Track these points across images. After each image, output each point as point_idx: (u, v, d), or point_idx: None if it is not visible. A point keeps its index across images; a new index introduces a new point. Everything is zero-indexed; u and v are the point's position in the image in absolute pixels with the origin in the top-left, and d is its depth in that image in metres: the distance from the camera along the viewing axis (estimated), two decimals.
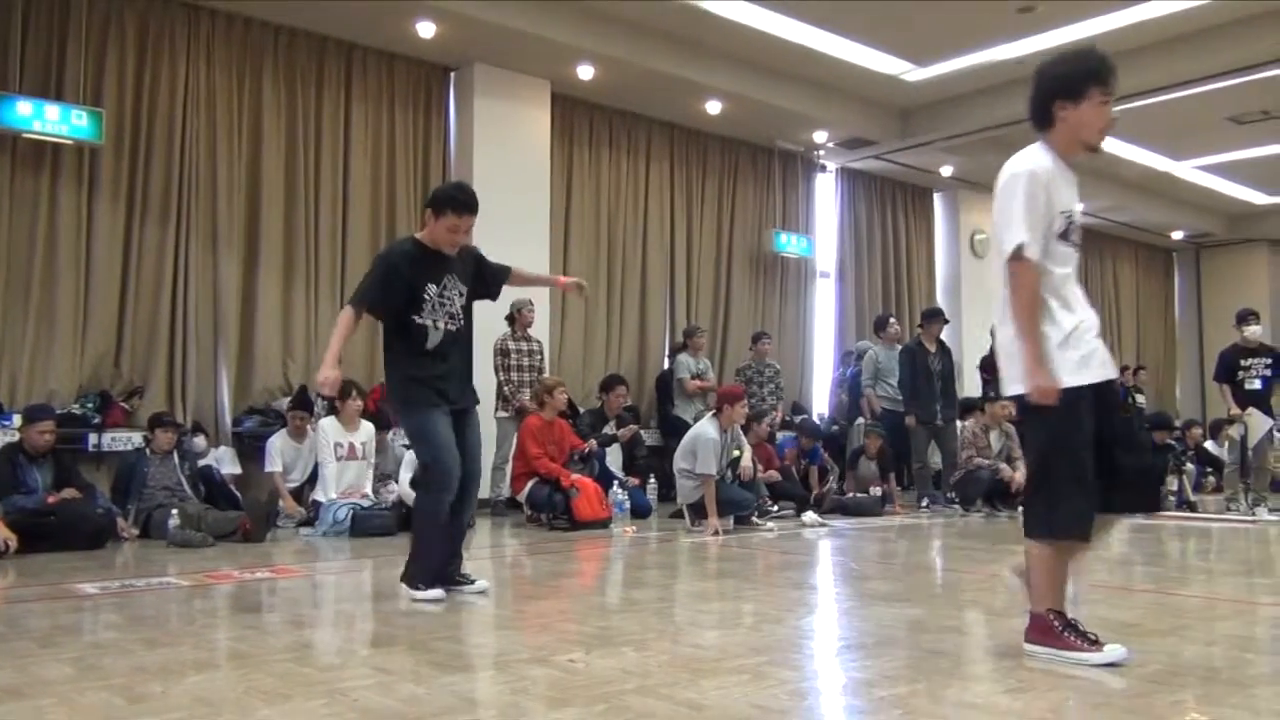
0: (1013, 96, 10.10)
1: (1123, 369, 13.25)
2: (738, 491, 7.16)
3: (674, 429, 8.88)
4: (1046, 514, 2.93)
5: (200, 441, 7.36)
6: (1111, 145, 11.77)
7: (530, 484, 7.24)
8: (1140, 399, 12.98)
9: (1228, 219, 15.50)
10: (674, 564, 5.59)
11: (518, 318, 8.08)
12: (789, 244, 11.27)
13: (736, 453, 7.25)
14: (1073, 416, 2.89)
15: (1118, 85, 3.04)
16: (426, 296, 4.12)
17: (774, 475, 7.99)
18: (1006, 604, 4.14)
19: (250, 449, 7.66)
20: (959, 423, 9.11)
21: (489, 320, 7.00)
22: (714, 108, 9.96)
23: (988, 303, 13.18)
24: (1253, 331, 8.87)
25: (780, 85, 9.87)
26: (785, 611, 3.93)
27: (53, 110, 6.91)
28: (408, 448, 6.77)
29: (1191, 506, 8.62)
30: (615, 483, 7.82)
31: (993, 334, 11.12)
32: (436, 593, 4.04)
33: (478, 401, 4.40)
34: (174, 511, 6.15)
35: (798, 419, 10.35)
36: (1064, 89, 3.01)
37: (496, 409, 7.90)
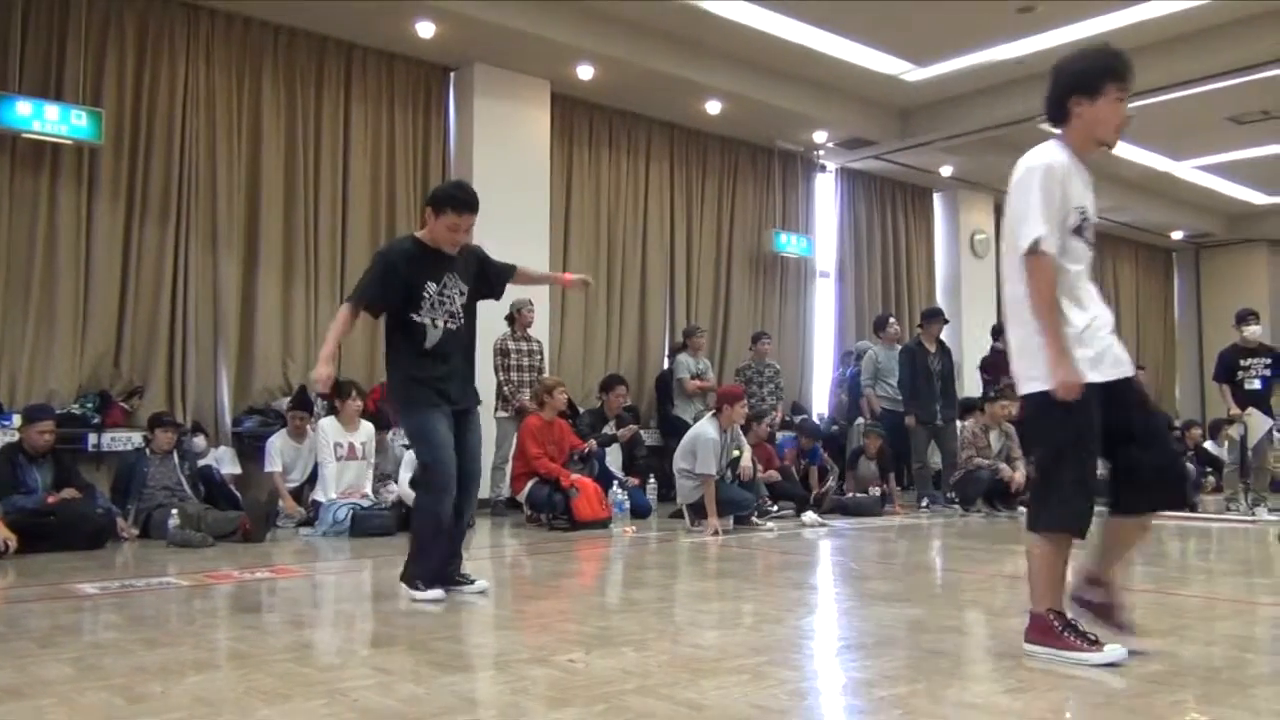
0: (1013, 96, 10.14)
1: None
2: (738, 491, 7.16)
3: (674, 429, 8.88)
4: (1048, 508, 2.97)
5: (200, 441, 7.36)
6: None
7: (530, 484, 7.24)
8: None
9: (1227, 219, 15.50)
10: (674, 564, 5.59)
11: (517, 318, 8.08)
12: (789, 244, 11.27)
13: (736, 453, 7.25)
14: (1081, 415, 2.88)
15: (1134, 83, 3.03)
16: (425, 295, 4.12)
17: (774, 475, 7.99)
18: (1006, 604, 4.14)
19: (250, 449, 7.66)
20: (959, 423, 9.11)
21: (489, 320, 6.99)
22: (714, 108, 9.96)
23: (988, 303, 13.26)
24: (1252, 331, 8.87)
25: (780, 85, 9.87)
26: (785, 611, 3.93)
27: (52, 110, 6.91)
28: (407, 448, 6.77)
29: (1191, 506, 8.60)
30: (615, 483, 7.82)
31: (994, 334, 11.04)
32: (436, 593, 4.04)
33: (479, 402, 4.40)
34: (174, 511, 6.15)
35: (798, 419, 10.36)
36: (1080, 85, 3.00)
37: (496, 409, 7.90)
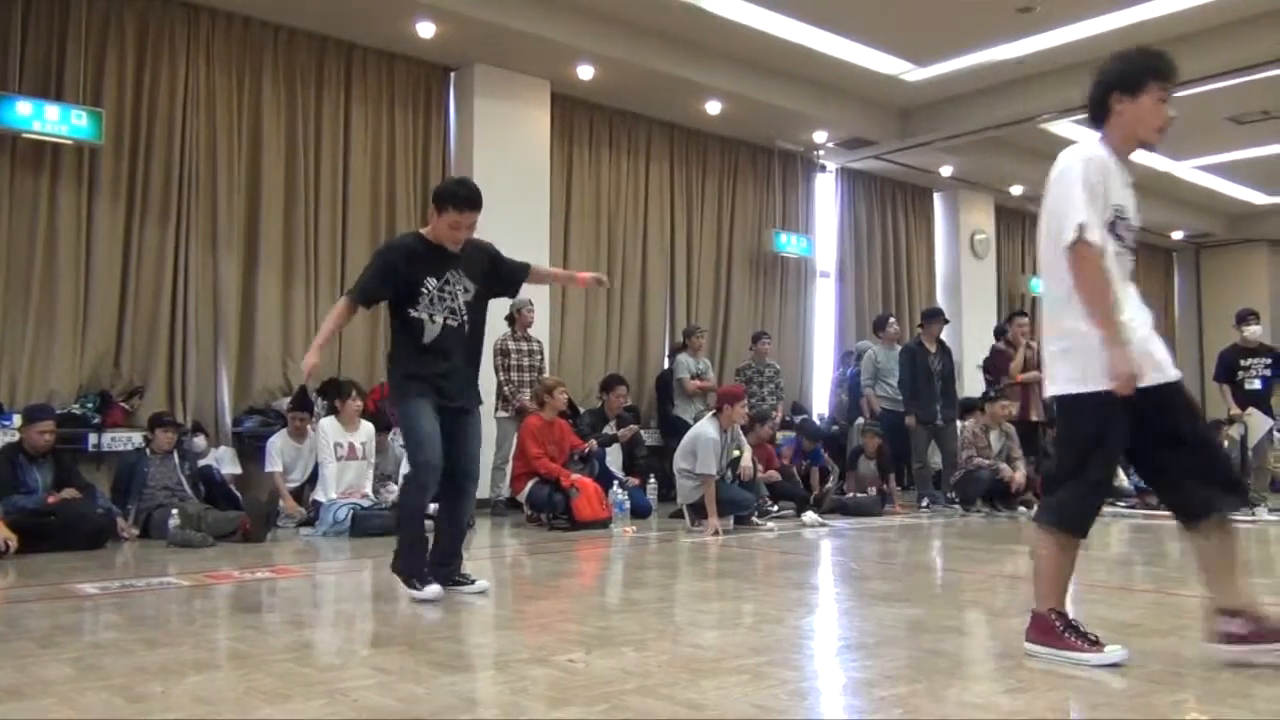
0: (1013, 96, 10.15)
1: None
2: (738, 491, 7.16)
3: (674, 429, 8.89)
4: (1059, 506, 2.96)
5: (200, 441, 7.36)
6: None
7: (530, 484, 7.24)
8: None
9: (1228, 219, 15.51)
10: (674, 564, 5.59)
11: (518, 318, 8.08)
12: (789, 244, 11.27)
13: (736, 453, 7.25)
14: (1108, 421, 2.85)
15: (1176, 84, 3.00)
16: (424, 290, 4.11)
17: (774, 475, 7.99)
18: (1006, 604, 4.14)
19: (250, 449, 7.66)
20: (959, 423, 9.11)
21: (489, 320, 6.99)
22: (714, 108, 9.96)
23: (988, 303, 13.28)
24: (1252, 331, 8.86)
25: (780, 85, 9.87)
26: (785, 611, 3.93)
27: (53, 110, 6.91)
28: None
29: None
30: (615, 483, 7.82)
31: (996, 334, 11.03)
32: (433, 590, 4.03)
33: (480, 403, 4.39)
34: (174, 511, 6.15)
35: (798, 419, 10.36)
36: (1122, 82, 2.97)
37: (496, 409, 7.90)
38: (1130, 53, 3.03)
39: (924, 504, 8.78)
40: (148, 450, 6.68)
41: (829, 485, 8.61)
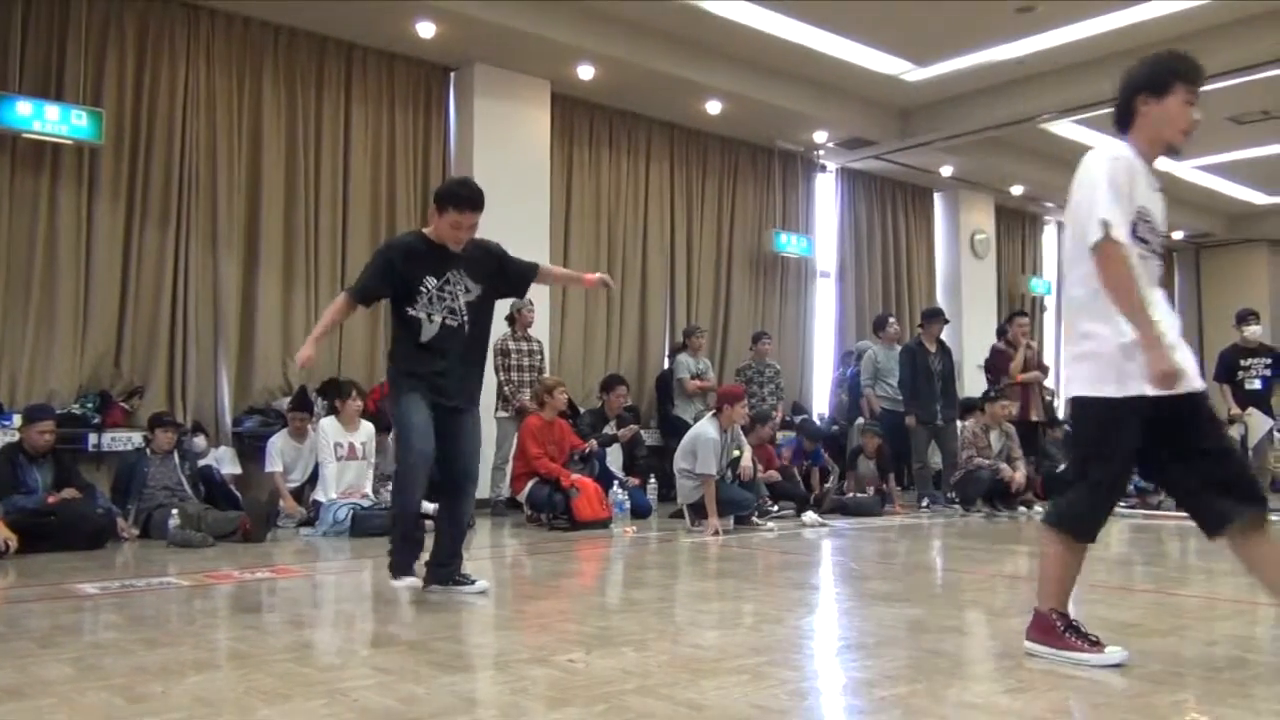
0: (1013, 96, 10.15)
1: None
2: (738, 491, 7.16)
3: (674, 429, 8.89)
4: (1062, 508, 2.97)
5: (200, 441, 7.36)
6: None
7: (530, 484, 7.24)
8: None
9: (1228, 219, 15.51)
10: (674, 564, 5.59)
11: (518, 318, 8.09)
12: (789, 244, 11.27)
13: (736, 453, 7.25)
14: (1112, 425, 2.82)
15: (1201, 88, 2.97)
16: (423, 289, 4.11)
17: (774, 475, 7.99)
18: (1006, 604, 4.14)
19: (250, 449, 7.66)
20: (959, 423, 9.11)
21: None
22: (714, 108, 9.96)
23: (988, 303, 13.28)
24: (1252, 331, 8.86)
25: (780, 85, 9.87)
26: (785, 611, 3.93)
27: (53, 110, 6.91)
28: None
29: None
30: (615, 483, 7.82)
31: (998, 334, 10.99)
32: (408, 581, 4.06)
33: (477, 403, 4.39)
34: (174, 511, 6.15)
35: (798, 419, 10.36)
36: (1148, 83, 2.95)
37: (496, 409, 7.90)
38: (1158, 55, 3.01)
39: (924, 504, 8.79)
40: (148, 450, 6.68)
41: (829, 485, 8.62)
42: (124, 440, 7.06)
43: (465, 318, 4.19)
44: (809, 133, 10.88)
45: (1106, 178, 2.83)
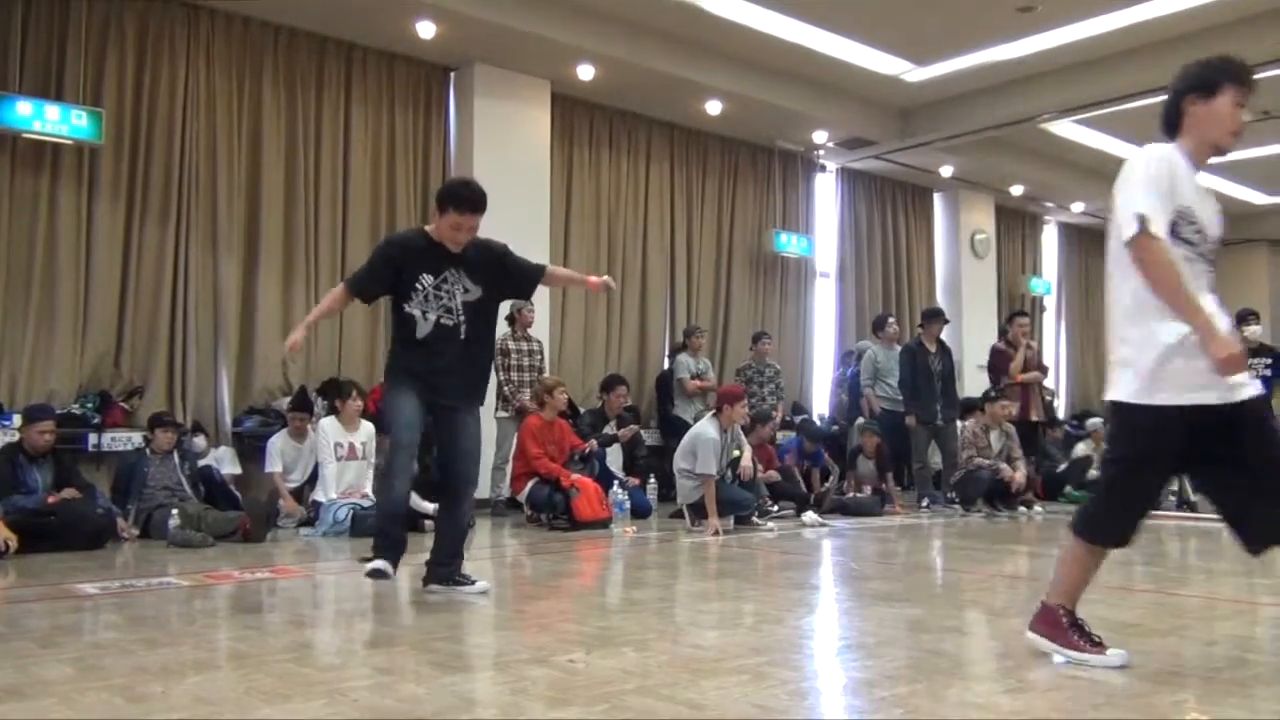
0: (1013, 96, 10.15)
1: None
2: (738, 491, 7.16)
3: (674, 429, 8.89)
4: (1090, 514, 2.93)
5: (200, 441, 7.36)
6: (1112, 145, 11.79)
7: (530, 484, 7.24)
8: None
9: (1228, 219, 15.28)
10: (674, 564, 5.59)
11: (518, 318, 8.09)
12: (789, 244, 11.27)
13: (736, 453, 7.25)
14: (1151, 436, 2.75)
15: (1253, 92, 2.92)
16: (419, 286, 4.11)
17: (774, 475, 7.99)
18: (1006, 604, 4.14)
19: (250, 449, 7.66)
20: (959, 423, 9.11)
21: None
22: (714, 108, 9.96)
23: (988, 303, 13.27)
24: (1252, 332, 8.85)
25: (780, 85, 9.87)
26: (785, 611, 3.93)
27: (53, 110, 6.91)
28: None
29: (1192, 506, 8.60)
30: (615, 483, 7.82)
31: (1000, 333, 10.90)
32: (378, 564, 3.98)
33: (481, 403, 4.39)
34: (174, 511, 6.15)
35: (798, 419, 10.36)
36: (1197, 83, 2.90)
37: (497, 409, 7.90)
38: (1206, 59, 2.97)
39: (924, 504, 8.79)
40: (148, 450, 6.68)
41: (829, 485, 8.62)
42: (124, 440, 7.06)
43: (461, 318, 4.16)
44: (809, 133, 10.88)
45: (1143, 174, 2.78)
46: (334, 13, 7.96)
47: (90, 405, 7.08)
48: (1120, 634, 3.15)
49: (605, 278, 4.69)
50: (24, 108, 6.82)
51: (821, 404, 11.56)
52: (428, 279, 4.11)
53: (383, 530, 4.11)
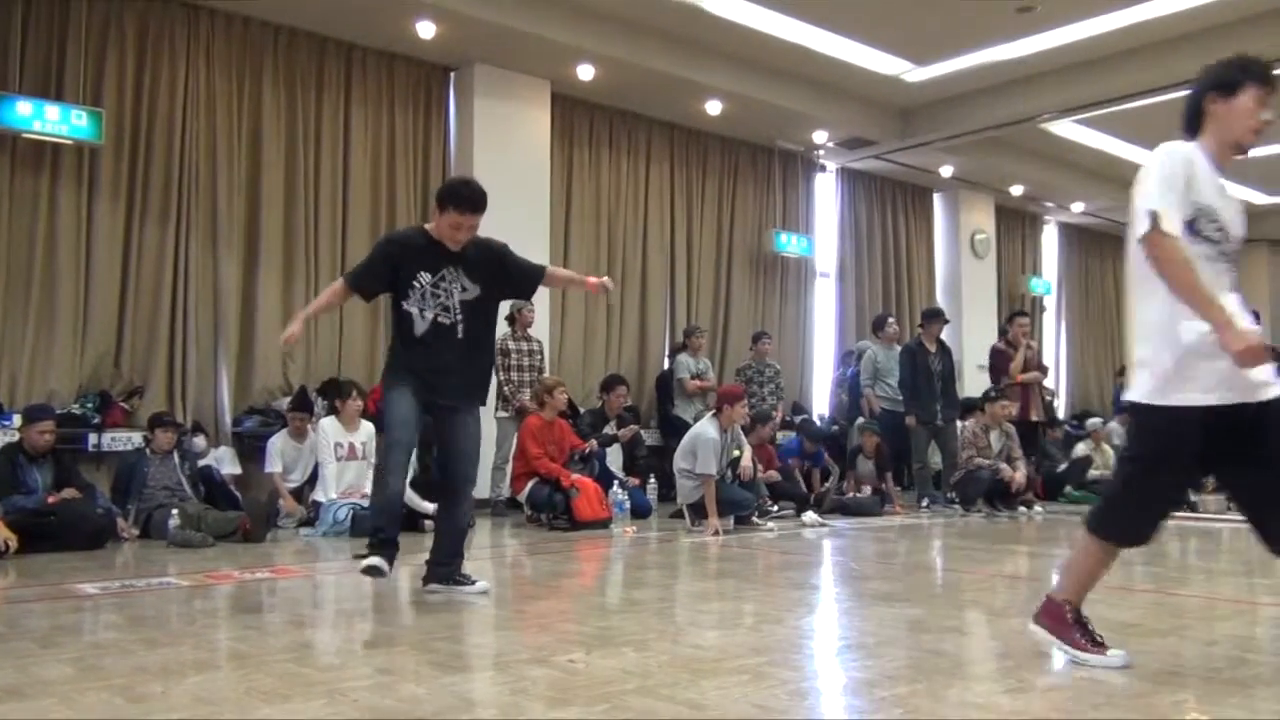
0: (1013, 96, 10.15)
1: (1122, 369, 13.25)
2: (738, 491, 7.16)
3: (674, 429, 8.89)
4: (1106, 513, 2.92)
5: (200, 441, 7.36)
6: (1112, 145, 11.80)
7: (530, 484, 7.24)
8: None
9: None
10: (674, 564, 5.59)
11: (518, 318, 8.09)
12: (789, 244, 11.27)
13: (736, 453, 7.25)
14: (1168, 438, 2.73)
15: (1275, 93, 2.90)
16: (416, 284, 4.11)
17: (774, 475, 7.99)
18: (1006, 604, 4.14)
19: (250, 449, 7.66)
20: (959, 423, 9.11)
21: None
22: (714, 108, 9.96)
23: (988, 303, 13.27)
24: None
25: (780, 85, 9.87)
26: (785, 611, 3.93)
27: (53, 110, 6.91)
28: None
29: (1191, 506, 8.61)
30: (615, 483, 7.82)
31: (1000, 333, 10.87)
32: (373, 560, 3.98)
33: (482, 403, 4.39)
34: (174, 511, 6.15)
35: (798, 419, 10.36)
36: (1217, 82, 2.90)
37: (496, 409, 7.90)
38: (1228, 58, 2.96)
39: (924, 504, 8.79)
40: (148, 450, 6.68)
41: (829, 485, 8.62)
42: (124, 440, 7.06)
43: (459, 316, 4.14)
44: (809, 133, 10.88)
45: (1157, 172, 2.76)
46: (334, 13, 7.96)
47: (90, 405, 7.08)
48: (1120, 634, 3.14)
49: (604, 279, 4.67)
50: (24, 108, 6.82)
51: (821, 404, 11.56)
52: (425, 277, 4.11)
53: (377, 528, 4.11)
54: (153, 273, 7.53)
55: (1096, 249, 15.42)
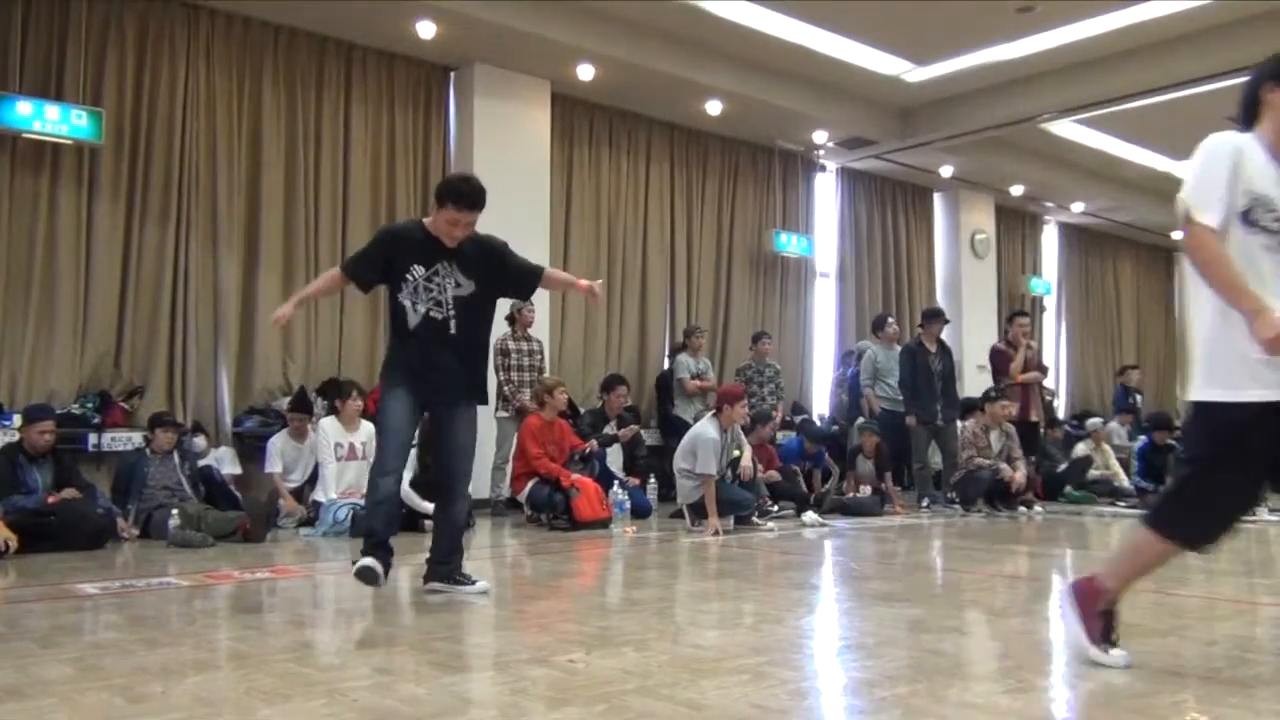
0: (1013, 96, 10.15)
1: (1122, 369, 13.25)
2: (738, 491, 7.16)
3: (674, 429, 8.89)
4: (1169, 510, 2.83)
5: (200, 441, 7.36)
6: (1112, 145, 11.80)
7: (530, 484, 7.24)
8: (1139, 399, 12.96)
9: None
10: (674, 564, 5.59)
11: (518, 318, 8.09)
12: (789, 244, 11.27)
13: (736, 453, 7.25)
14: (1226, 436, 2.64)
15: None
16: (409, 277, 4.11)
17: (774, 475, 7.99)
18: (1006, 604, 4.14)
19: (250, 449, 7.66)
20: (959, 423, 9.11)
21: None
22: (714, 108, 9.96)
23: (988, 303, 13.28)
24: None
25: (780, 85, 9.87)
26: (785, 611, 3.93)
27: (53, 110, 6.91)
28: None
29: None
30: (615, 483, 7.82)
31: (1002, 331, 10.84)
32: (367, 562, 3.98)
33: (484, 401, 4.38)
34: (174, 511, 6.14)
35: (798, 419, 10.36)
36: (1276, 72, 2.81)
37: (496, 409, 7.90)
38: None
39: (924, 504, 8.78)
40: (148, 450, 6.68)
41: (829, 485, 8.61)
42: (124, 440, 7.06)
43: (451, 311, 4.13)
44: (809, 133, 10.88)
45: (1198, 163, 2.71)
46: (334, 13, 7.96)
47: (90, 405, 7.08)
48: (1120, 634, 3.14)
49: (594, 284, 4.53)
50: (24, 108, 6.82)
51: (821, 404, 11.56)
52: (419, 270, 4.11)
53: (371, 529, 4.11)
54: (153, 273, 7.53)
55: (1096, 249, 15.42)
